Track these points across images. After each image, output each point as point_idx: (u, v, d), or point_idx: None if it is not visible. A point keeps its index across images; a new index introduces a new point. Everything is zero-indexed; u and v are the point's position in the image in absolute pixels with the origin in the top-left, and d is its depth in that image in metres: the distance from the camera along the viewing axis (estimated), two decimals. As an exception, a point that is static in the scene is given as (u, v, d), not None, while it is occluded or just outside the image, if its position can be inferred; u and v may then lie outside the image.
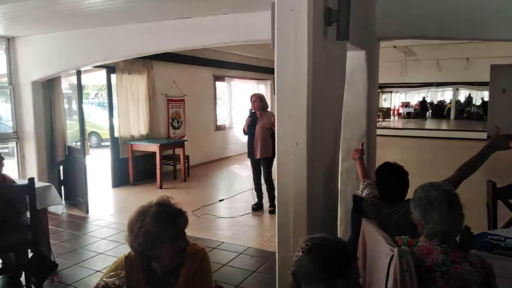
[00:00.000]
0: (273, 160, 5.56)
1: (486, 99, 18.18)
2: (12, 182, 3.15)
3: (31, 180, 3.14)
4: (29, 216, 3.26)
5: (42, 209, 3.61)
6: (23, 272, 3.40)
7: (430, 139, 14.40)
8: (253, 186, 5.76)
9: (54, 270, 3.45)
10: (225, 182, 8.02)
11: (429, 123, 21.55)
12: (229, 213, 5.65)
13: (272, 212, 5.54)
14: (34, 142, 5.38)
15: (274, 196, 5.60)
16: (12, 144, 5.69)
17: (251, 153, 5.56)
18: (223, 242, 4.53)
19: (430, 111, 25.17)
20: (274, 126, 5.40)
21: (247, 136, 5.65)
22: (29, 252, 3.37)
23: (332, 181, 2.59)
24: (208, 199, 6.28)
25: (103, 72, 7.06)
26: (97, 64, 5.30)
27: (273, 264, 3.98)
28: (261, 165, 5.57)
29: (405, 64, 14.28)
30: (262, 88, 11.18)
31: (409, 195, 2.46)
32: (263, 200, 5.80)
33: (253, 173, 5.70)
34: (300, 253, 1.28)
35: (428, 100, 25.37)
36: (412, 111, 24.74)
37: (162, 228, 1.61)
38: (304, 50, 2.06)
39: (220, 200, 6.27)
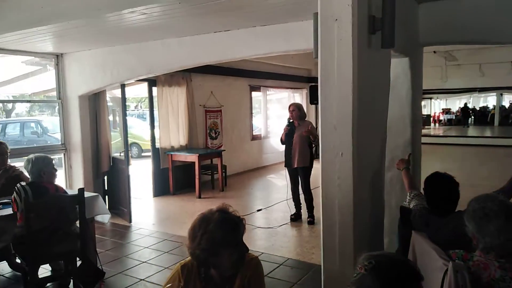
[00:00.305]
0: (311, 170, 5.52)
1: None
2: (64, 192, 3.29)
3: (81, 190, 3.27)
4: (78, 225, 3.39)
5: (90, 218, 3.75)
6: (71, 280, 3.54)
7: (473, 146, 13.79)
8: (290, 196, 5.72)
9: (101, 278, 3.55)
10: (262, 192, 8.02)
11: (472, 130, 20.70)
12: (267, 223, 5.63)
13: (311, 223, 5.48)
14: (81, 154, 5.63)
15: (313, 207, 5.55)
16: (59, 156, 5.96)
17: (288, 163, 5.54)
18: (262, 253, 4.50)
19: (472, 117, 24.20)
20: (311, 135, 5.39)
21: (284, 146, 5.63)
22: (77, 260, 3.51)
23: (378, 191, 2.53)
24: (246, 209, 6.29)
25: (143, 85, 7.31)
26: (140, 78, 5.49)
27: (315, 276, 3.93)
28: (299, 175, 5.54)
29: (445, 69, 13.79)
30: (298, 97, 11.16)
31: (460, 207, 2.38)
32: (301, 210, 5.76)
33: (291, 182, 5.66)
34: (361, 271, 1.24)
35: (470, 106, 24.43)
36: (453, 117, 23.87)
37: (226, 233, 1.65)
38: (348, 59, 2.05)
39: (258, 210, 6.27)
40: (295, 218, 5.68)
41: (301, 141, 5.39)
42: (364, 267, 1.23)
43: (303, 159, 5.41)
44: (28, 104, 13.51)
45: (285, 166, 5.68)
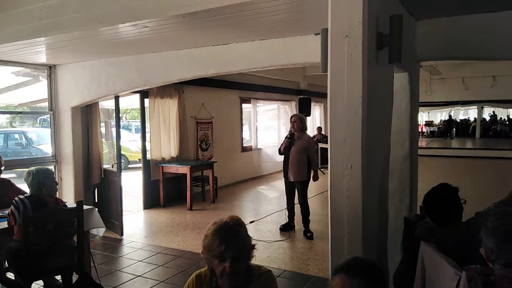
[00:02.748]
0: (308, 183, 5.54)
1: (512, 116, 17.80)
2: (64, 205, 3.22)
3: (80, 203, 3.23)
4: (75, 239, 3.33)
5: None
6: (67, 295, 3.45)
7: (457, 158, 14.10)
8: (287, 206, 5.75)
9: (98, 293, 3.48)
10: (253, 203, 8.00)
11: (455, 142, 21.17)
12: (261, 235, 5.61)
13: (310, 237, 5.44)
14: (72, 166, 5.54)
15: (309, 220, 5.57)
16: (49, 168, 5.85)
17: (286, 175, 5.57)
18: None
19: (454, 129, 24.83)
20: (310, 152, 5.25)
21: (283, 156, 5.61)
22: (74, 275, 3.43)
23: (384, 203, 2.58)
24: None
25: (129, 96, 7.24)
26: (136, 89, 5.48)
27: (314, 288, 3.95)
28: (296, 188, 5.56)
29: (430, 83, 14.20)
30: (287, 109, 11.27)
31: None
32: (295, 222, 5.78)
33: (286, 194, 5.69)
34: None
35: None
36: (436, 130, 24.41)
37: (227, 241, 1.70)
38: (358, 74, 2.10)
39: (251, 222, 6.24)
40: (285, 228, 5.69)
41: (299, 155, 5.40)
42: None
43: (299, 173, 5.44)
44: (9, 115, 13.25)
45: (284, 177, 5.69)
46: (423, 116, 25.38)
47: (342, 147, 2.19)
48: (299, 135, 5.50)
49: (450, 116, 24.29)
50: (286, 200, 5.75)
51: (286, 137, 5.52)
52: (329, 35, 2.17)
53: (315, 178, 5.60)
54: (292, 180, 5.48)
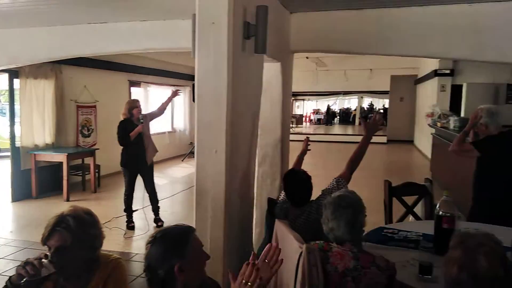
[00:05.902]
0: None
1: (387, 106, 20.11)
2: None
3: None
4: None
5: None
6: None
7: (338, 143, 15.45)
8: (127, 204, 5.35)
9: None
10: (139, 191, 7.73)
11: (336, 129, 23.18)
12: (142, 223, 5.47)
13: (161, 226, 5.14)
14: None
15: (159, 207, 5.41)
16: None
17: (140, 161, 5.20)
18: (136, 254, 4.39)
19: (338, 117, 27.32)
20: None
21: (125, 144, 5.16)
22: None
23: (248, 186, 2.71)
24: (120, 211, 5.84)
25: (3, 76, 6.43)
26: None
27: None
28: (145, 173, 5.30)
29: (317, 73, 15.25)
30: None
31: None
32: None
33: (130, 185, 5.27)
34: (148, 247, 1.49)
35: (336, 107, 27.74)
36: (322, 117, 26.50)
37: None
38: (224, 61, 2.15)
39: (134, 211, 6.00)
40: (134, 226, 5.33)
41: (150, 135, 5.31)
42: (149, 242, 1.49)
43: (154, 152, 5.38)
44: None
45: (126, 167, 5.25)
46: (311, 105, 27.34)
47: (207, 131, 2.24)
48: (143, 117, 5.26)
49: (328, 106, 26.67)
50: (127, 194, 5.33)
51: (142, 124, 5.15)
52: (197, 21, 2.18)
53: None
54: (150, 163, 5.28)
